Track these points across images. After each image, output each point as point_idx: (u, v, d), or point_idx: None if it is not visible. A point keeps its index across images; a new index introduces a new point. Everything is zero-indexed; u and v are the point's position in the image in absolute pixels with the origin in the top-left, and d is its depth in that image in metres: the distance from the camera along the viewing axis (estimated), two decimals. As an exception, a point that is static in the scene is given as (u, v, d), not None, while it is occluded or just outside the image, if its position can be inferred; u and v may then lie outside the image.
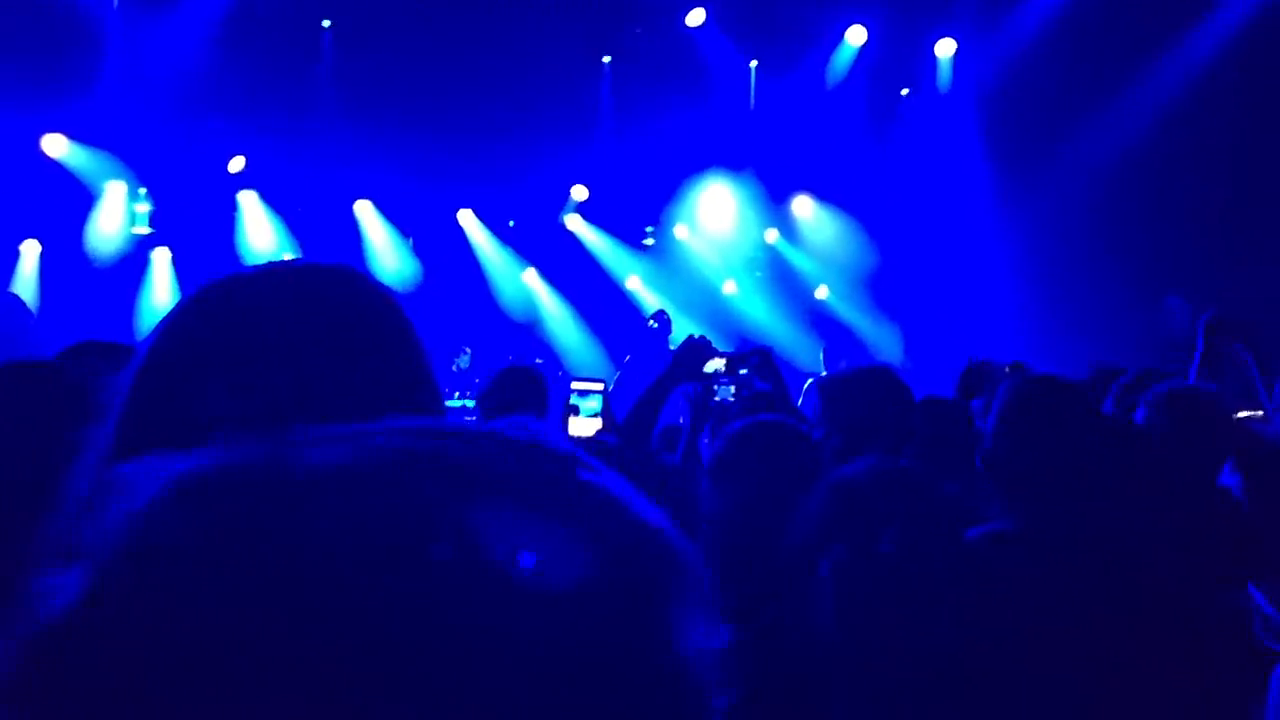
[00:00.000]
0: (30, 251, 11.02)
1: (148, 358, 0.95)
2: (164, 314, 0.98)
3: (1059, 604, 2.40)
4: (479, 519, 0.47)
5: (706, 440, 3.81)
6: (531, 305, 13.07)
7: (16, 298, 9.36)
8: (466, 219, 12.89)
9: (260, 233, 11.96)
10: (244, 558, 0.44)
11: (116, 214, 11.46)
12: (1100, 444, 2.69)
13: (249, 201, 11.96)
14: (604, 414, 5.05)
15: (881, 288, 12.70)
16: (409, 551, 0.45)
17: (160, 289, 11.47)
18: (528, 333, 12.60)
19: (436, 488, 0.47)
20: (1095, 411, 2.88)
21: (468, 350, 11.14)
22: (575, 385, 4.85)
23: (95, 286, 10.74)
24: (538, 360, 10.54)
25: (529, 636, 0.46)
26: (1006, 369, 4.60)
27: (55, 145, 10.95)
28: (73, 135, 10.98)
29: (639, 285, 13.34)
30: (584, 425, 4.95)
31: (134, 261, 11.52)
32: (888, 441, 3.02)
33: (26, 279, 10.82)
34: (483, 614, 0.45)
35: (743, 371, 4.02)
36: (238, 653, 0.43)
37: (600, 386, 4.95)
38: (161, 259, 11.64)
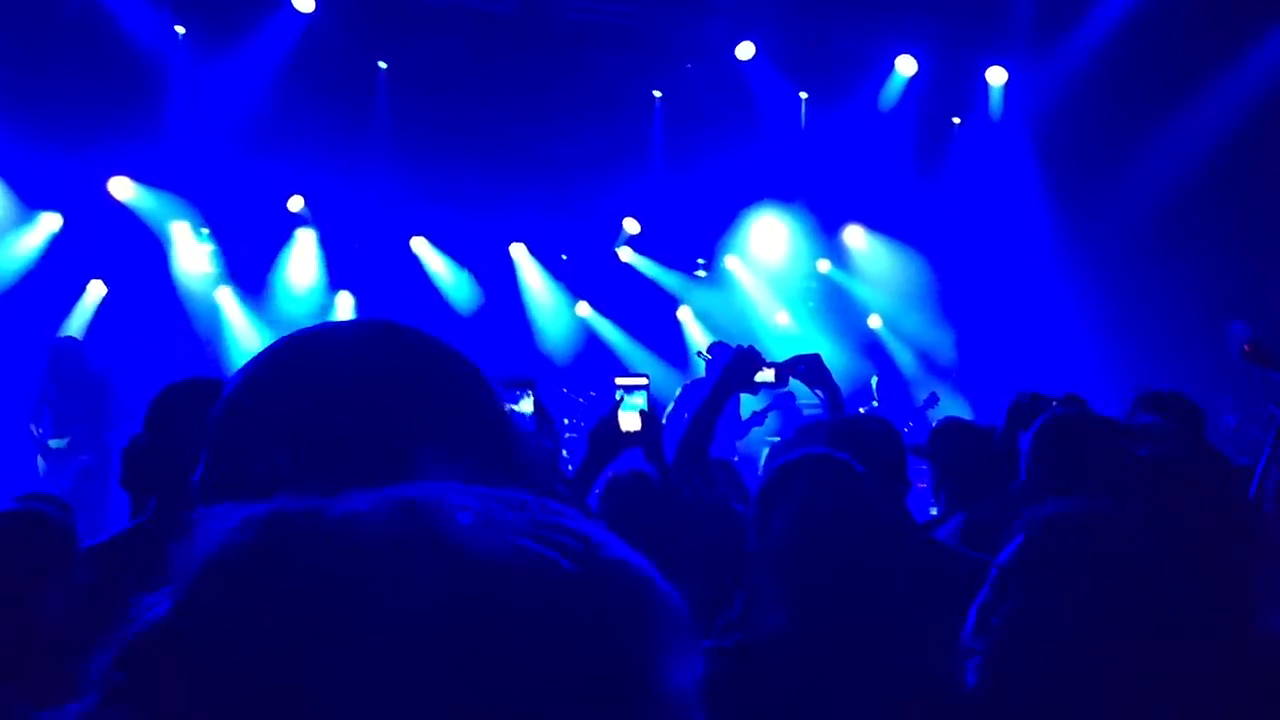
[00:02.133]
0: (95, 292, 11.28)
1: (228, 408, 1.00)
2: (242, 364, 1.02)
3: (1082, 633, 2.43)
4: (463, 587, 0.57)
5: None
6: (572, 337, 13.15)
7: (74, 340, 9.60)
8: (519, 253, 13.02)
9: (302, 269, 12.15)
10: (288, 584, 0.57)
11: (196, 255, 11.73)
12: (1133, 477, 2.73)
13: (303, 239, 12.18)
14: (653, 444, 5.07)
15: (937, 316, 12.64)
16: (406, 593, 0.57)
17: (235, 328, 11.74)
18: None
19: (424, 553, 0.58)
20: (1123, 444, 2.89)
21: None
22: (620, 381, 4.88)
23: (158, 327, 10.96)
24: (572, 395, 10.61)
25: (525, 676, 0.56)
26: (1055, 402, 4.56)
27: (122, 188, 11.23)
28: (138, 177, 11.25)
29: (690, 317, 13.39)
30: (630, 420, 4.98)
31: (194, 301, 11.76)
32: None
33: (83, 318, 11.05)
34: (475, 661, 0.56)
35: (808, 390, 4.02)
36: (291, 652, 0.56)
37: (645, 381, 4.99)
38: (226, 298, 11.89)
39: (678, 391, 9.85)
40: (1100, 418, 3.04)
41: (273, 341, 1.04)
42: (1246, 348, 4.93)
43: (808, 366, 3.96)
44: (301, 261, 12.19)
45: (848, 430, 3.60)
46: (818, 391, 3.93)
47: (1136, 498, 2.72)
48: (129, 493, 3.45)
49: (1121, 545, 2.30)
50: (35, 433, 8.80)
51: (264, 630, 0.56)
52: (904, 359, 12.90)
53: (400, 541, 0.58)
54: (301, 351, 1.02)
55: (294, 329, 1.06)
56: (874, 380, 10.76)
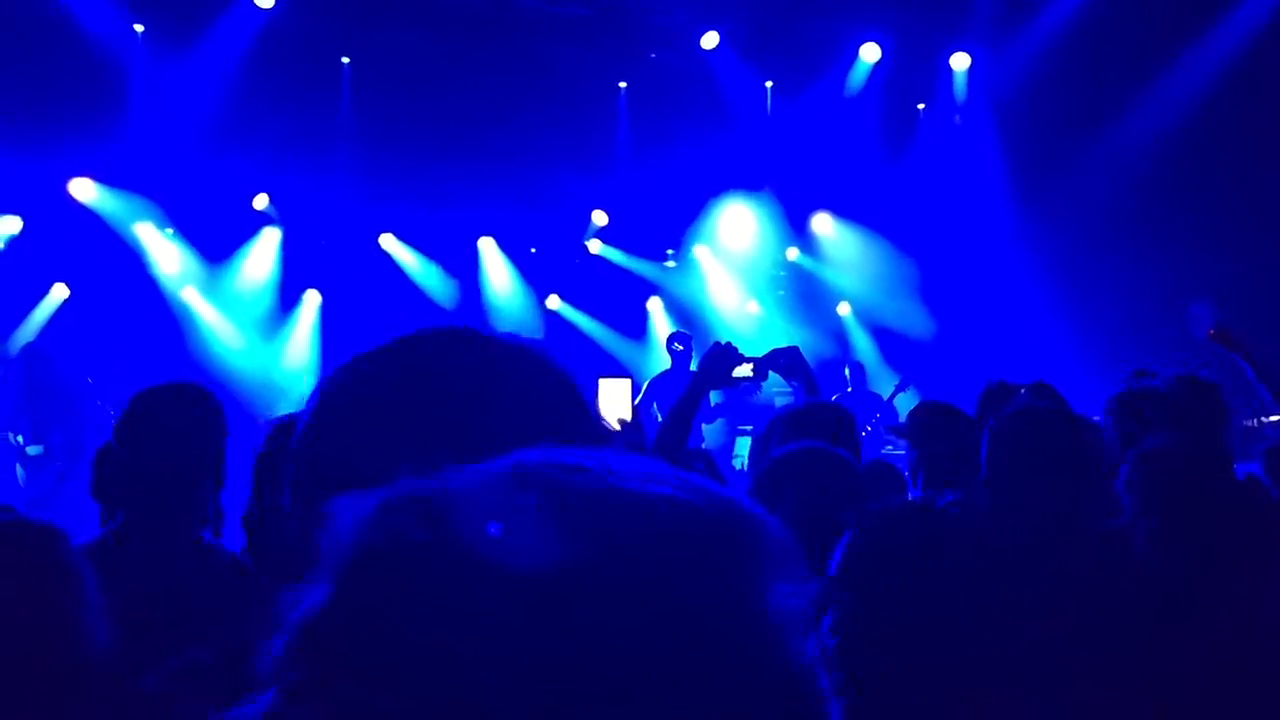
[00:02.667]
0: (58, 295, 11.16)
1: (318, 412, 1.00)
2: (330, 376, 1.02)
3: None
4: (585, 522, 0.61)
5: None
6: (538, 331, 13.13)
7: (42, 347, 9.51)
8: (487, 247, 12.98)
9: (259, 265, 12.07)
10: (429, 564, 0.60)
11: (161, 255, 11.61)
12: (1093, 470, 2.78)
13: (266, 237, 12.09)
14: (635, 434, 5.13)
15: (907, 302, 12.71)
16: (543, 557, 0.60)
17: (203, 328, 11.66)
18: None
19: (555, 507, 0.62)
20: (1089, 437, 2.93)
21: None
22: (602, 381, 4.94)
23: (125, 329, 10.85)
24: None
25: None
26: (1024, 389, 4.62)
27: (83, 189, 11.10)
28: (100, 178, 11.12)
29: (660, 308, 13.41)
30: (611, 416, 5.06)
31: (161, 303, 11.66)
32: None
33: (47, 322, 10.94)
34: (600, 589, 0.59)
35: (789, 387, 4.02)
36: (438, 634, 0.59)
37: (626, 382, 5.06)
38: (193, 298, 11.78)
39: (645, 384, 9.87)
40: (1055, 411, 3.07)
41: (363, 353, 1.04)
42: (1211, 332, 5.10)
43: (787, 360, 3.97)
44: (259, 259, 12.09)
45: (802, 418, 3.64)
46: (793, 384, 3.95)
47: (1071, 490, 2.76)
48: (99, 502, 3.43)
49: (950, 540, 2.33)
50: (14, 440, 8.71)
51: (430, 609, 0.59)
52: (874, 346, 12.97)
53: (526, 506, 0.61)
54: (403, 361, 1.02)
55: (369, 341, 1.04)
56: (847, 370, 10.82)
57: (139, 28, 10.76)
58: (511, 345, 1.05)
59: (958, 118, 12.45)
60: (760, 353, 4.16)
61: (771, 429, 4.28)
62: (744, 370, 3.90)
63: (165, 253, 11.68)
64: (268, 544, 2.20)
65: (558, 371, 1.04)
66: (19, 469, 8.67)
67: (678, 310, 13.22)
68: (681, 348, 9.86)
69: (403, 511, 0.62)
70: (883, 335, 12.87)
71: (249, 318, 12.00)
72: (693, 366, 9.44)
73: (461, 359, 1.02)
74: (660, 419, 9.15)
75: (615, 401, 4.65)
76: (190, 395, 2.80)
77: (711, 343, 3.83)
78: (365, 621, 0.60)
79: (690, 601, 0.60)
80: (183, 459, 2.65)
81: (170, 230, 11.61)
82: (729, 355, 3.82)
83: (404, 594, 0.60)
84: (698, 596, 0.60)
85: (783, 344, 4.36)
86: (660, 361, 11.21)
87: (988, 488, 2.86)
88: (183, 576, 2.53)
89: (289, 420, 2.33)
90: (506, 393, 1.00)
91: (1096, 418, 4.47)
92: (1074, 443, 2.80)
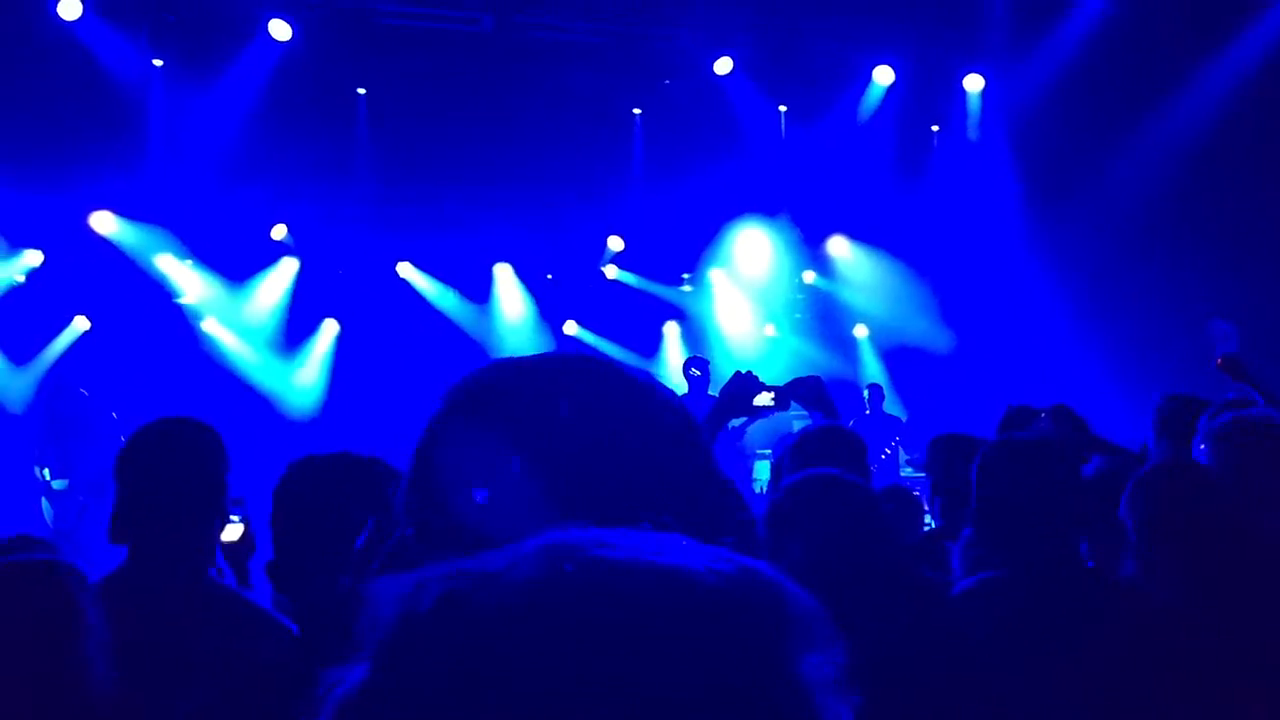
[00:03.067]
0: (79, 327, 11.25)
1: (420, 459, 1.02)
2: (446, 395, 1.04)
3: (1042, 650, 2.44)
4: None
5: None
6: None
7: (65, 380, 9.58)
8: (503, 273, 13.02)
9: (273, 292, 12.15)
10: (466, 645, 0.61)
11: (181, 287, 11.70)
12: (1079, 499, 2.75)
13: (281, 268, 12.17)
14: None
15: (924, 324, 12.67)
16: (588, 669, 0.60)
17: (223, 358, 11.74)
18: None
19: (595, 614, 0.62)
20: (1071, 467, 2.89)
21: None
22: None
23: (146, 360, 10.91)
24: None
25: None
26: (1043, 413, 4.59)
27: (103, 222, 11.20)
28: (120, 211, 11.22)
29: (677, 333, 13.41)
30: None
31: (182, 332, 11.73)
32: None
33: (69, 355, 11.03)
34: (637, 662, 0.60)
35: (800, 411, 3.97)
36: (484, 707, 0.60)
37: None
38: (214, 328, 11.86)
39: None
40: (1044, 442, 3.02)
41: (473, 374, 1.07)
42: (1220, 361, 5.16)
43: (807, 389, 3.93)
44: (273, 288, 12.16)
45: (815, 444, 3.62)
46: (814, 413, 3.91)
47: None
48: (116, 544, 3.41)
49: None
50: (40, 475, 8.76)
51: (458, 690, 0.61)
52: (891, 368, 12.92)
53: (549, 589, 0.62)
54: (506, 389, 1.03)
55: (485, 360, 1.08)
56: (865, 392, 10.78)
57: (158, 62, 10.87)
58: (632, 385, 1.05)
59: (972, 134, 12.43)
60: (780, 379, 4.12)
61: (787, 455, 4.26)
62: (765, 399, 3.84)
63: (186, 283, 11.76)
64: (306, 599, 2.11)
65: (682, 416, 1.05)
66: (45, 503, 8.71)
67: (694, 335, 13.21)
68: (699, 373, 9.83)
69: (434, 593, 0.64)
70: (902, 356, 12.81)
71: (266, 347, 12.07)
72: (710, 391, 9.41)
73: (584, 394, 1.02)
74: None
75: None
76: (188, 429, 2.74)
77: (732, 371, 3.79)
78: (395, 703, 0.62)
79: (724, 676, 0.60)
80: (182, 495, 2.61)
81: (190, 261, 11.69)
82: (750, 384, 3.76)
83: (432, 677, 0.62)
84: (732, 670, 0.61)
85: (799, 367, 4.34)
86: (676, 386, 11.18)
87: (977, 525, 2.85)
88: (189, 615, 2.50)
89: (309, 460, 2.30)
90: (627, 439, 1.00)
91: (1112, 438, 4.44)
92: (1052, 476, 2.75)
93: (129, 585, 2.55)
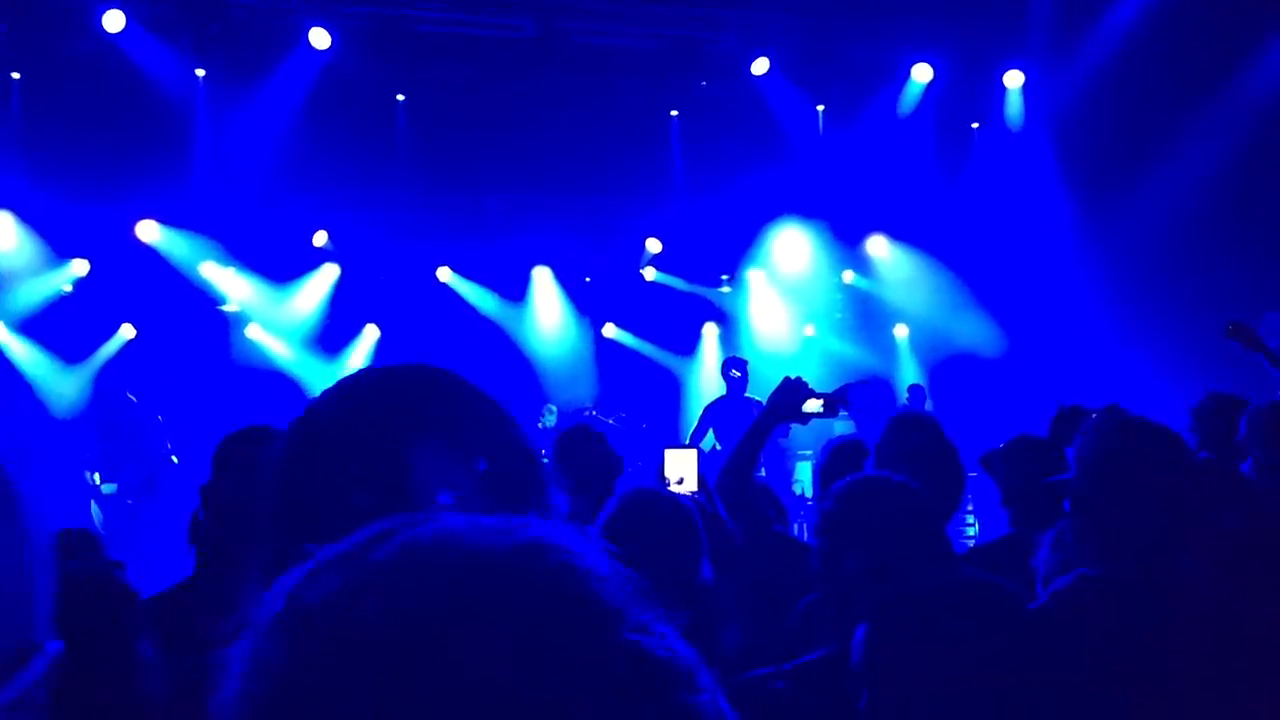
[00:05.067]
0: (125, 335, 11.41)
1: (295, 455, 1.15)
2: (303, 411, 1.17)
3: (1142, 650, 2.37)
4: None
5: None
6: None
7: (114, 386, 9.73)
8: (543, 277, 13.06)
9: (307, 298, 12.24)
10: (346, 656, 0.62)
11: (226, 294, 11.84)
12: (1190, 488, 2.64)
13: (326, 272, 12.28)
14: (698, 479, 5.10)
15: (967, 321, 12.57)
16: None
17: (269, 364, 11.87)
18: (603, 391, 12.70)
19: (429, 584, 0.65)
20: (1186, 454, 2.79)
21: (553, 408, 11.25)
22: (668, 453, 4.90)
23: (192, 367, 11.05)
24: (601, 416, 10.62)
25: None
26: (1093, 414, 4.50)
27: (149, 231, 11.35)
28: (165, 220, 11.37)
29: (716, 334, 13.41)
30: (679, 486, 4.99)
31: (222, 337, 11.88)
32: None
33: (116, 362, 11.18)
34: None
35: (843, 412, 3.93)
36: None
37: (693, 453, 5.02)
38: (258, 335, 11.99)
39: (699, 410, 9.83)
40: (1157, 426, 2.93)
41: (329, 388, 1.21)
42: (1229, 328, 5.25)
43: (857, 395, 3.89)
44: (312, 294, 12.28)
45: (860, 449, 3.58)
46: (859, 417, 3.89)
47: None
48: (194, 548, 3.44)
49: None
50: (90, 479, 8.89)
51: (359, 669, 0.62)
52: (930, 368, 12.83)
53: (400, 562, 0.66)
54: (361, 397, 1.18)
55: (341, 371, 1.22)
56: (906, 393, 10.71)
57: (200, 72, 11.00)
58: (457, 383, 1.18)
59: (1013, 129, 12.31)
60: (818, 380, 4.07)
61: (832, 458, 4.23)
62: (814, 405, 3.79)
63: (230, 290, 11.90)
64: None
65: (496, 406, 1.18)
66: (94, 507, 8.84)
67: (733, 336, 13.19)
68: (739, 374, 9.79)
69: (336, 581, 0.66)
70: (946, 356, 12.69)
71: (308, 352, 12.19)
72: (748, 393, 9.37)
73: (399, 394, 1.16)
74: (717, 446, 9.10)
75: (681, 471, 4.60)
76: (256, 437, 2.76)
77: (777, 374, 3.75)
78: (259, 686, 0.65)
79: (525, 644, 0.62)
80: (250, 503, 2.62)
81: (234, 268, 11.82)
82: (799, 390, 3.73)
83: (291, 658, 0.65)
84: (532, 637, 0.63)
85: (837, 368, 4.31)
86: (716, 387, 11.18)
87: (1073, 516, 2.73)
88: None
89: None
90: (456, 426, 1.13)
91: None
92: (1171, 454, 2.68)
93: (192, 598, 2.58)
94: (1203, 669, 2.39)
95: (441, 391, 1.16)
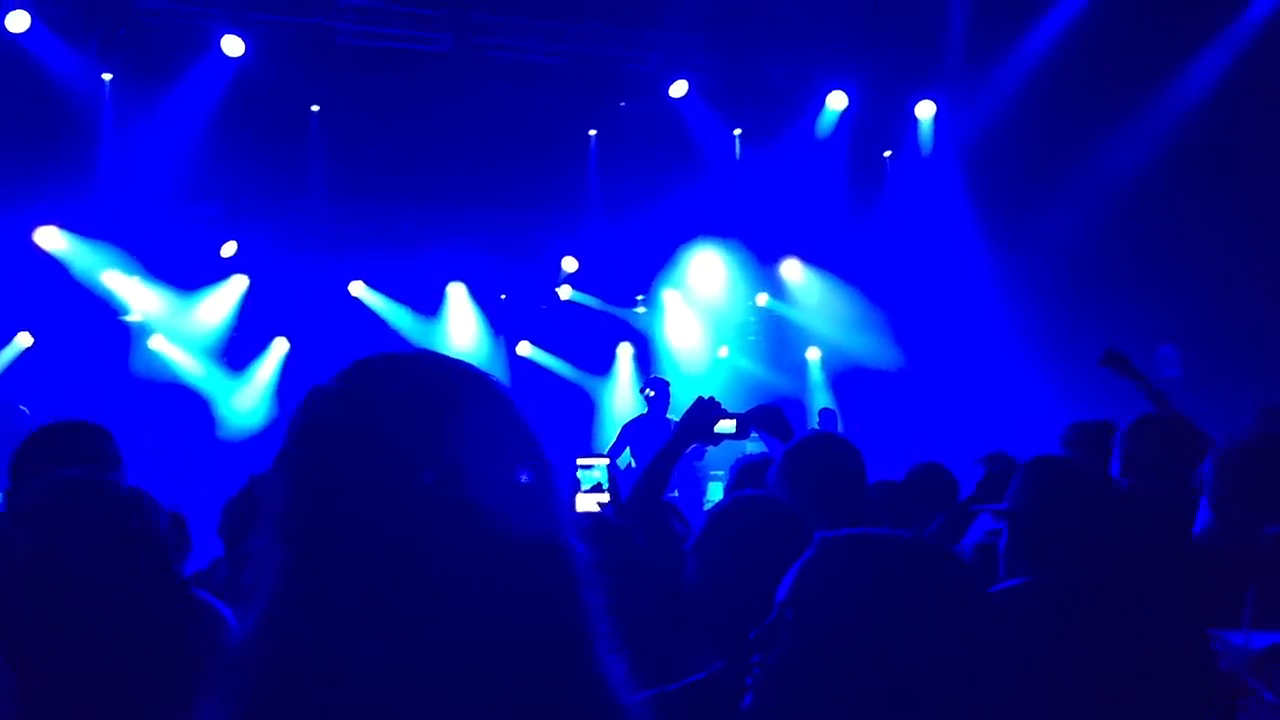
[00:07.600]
0: (22, 342, 11.05)
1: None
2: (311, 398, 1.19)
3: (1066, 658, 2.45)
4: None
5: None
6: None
7: (7, 395, 9.39)
8: (457, 293, 12.95)
9: (214, 310, 12.02)
10: None
11: (129, 303, 11.52)
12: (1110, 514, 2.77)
13: (234, 283, 12.03)
14: (609, 488, 5.08)
15: (875, 342, 12.77)
16: None
17: (172, 373, 11.57)
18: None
19: None
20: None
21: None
22: (580, 461, 4.88)
23: (92, 376, 10.73)
24: None
25: None
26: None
27: (49, 238, 11.00)
28: (67, 227, 11.04)
29: (630, 354, 13.43)
30: (587, 500, 4.97)
31: (123, 348, 11.56)
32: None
33: (10, 371, 10.83)
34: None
35: (753, 435, 3.95)
36: None
37: (604, 461, 5.02)
38: (161, 345, 11.69)
39: (617, 429, 9.81)
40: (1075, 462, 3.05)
41: (355, 367, 1.26)
42: (1105, 354, 5.40)
43: (768, 417, 3.90)
44: (219, 305, 12.02)
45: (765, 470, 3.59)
46: (772, 441, 3.88)
47: None
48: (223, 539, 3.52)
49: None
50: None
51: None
52: (840, 391, 13.00)
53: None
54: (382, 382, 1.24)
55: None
56: (817, 416, 10.83)
57: (107, 76, 10.72)
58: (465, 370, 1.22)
59: (924, 157, 12.57)
60: (730, 401, 4.09)
61: (739, 477, 4.24)
62: (727, 426, 3.79)
63: (133, 300, 11.58)
64: None
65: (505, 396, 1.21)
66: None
67: (647, 356, 13.22)
68: (654, 393, 9.80)
69: None
70: (852, 378, 12.88)
71: (212, 364, 11.94)
72: (668, 414, 9.39)
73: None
74: (634, 464, 9.09)
75: (592, 479, 4.59)
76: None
77: (689, 394, 3.74)
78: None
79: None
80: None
81: (138, 277, 11.51)
82: (711, 410, 3.73)
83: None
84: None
85: (750, 389, 4.34)
86: (631, 405, 11.18)
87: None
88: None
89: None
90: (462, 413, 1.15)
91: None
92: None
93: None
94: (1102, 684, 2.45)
95: (487, 389, 1.21)
